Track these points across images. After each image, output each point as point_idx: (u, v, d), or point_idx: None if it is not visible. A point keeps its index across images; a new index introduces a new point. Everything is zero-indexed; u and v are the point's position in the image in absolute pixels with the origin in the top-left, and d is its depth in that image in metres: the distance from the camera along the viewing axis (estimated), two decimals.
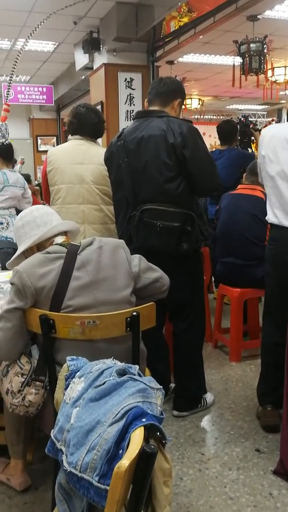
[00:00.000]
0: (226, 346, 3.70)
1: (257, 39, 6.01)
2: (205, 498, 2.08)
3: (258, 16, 5.73)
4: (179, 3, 4.81)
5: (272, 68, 7.81)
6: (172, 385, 2.88)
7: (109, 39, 5.82)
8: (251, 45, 6.02)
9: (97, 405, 1.14)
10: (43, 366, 1.78)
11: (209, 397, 2.86)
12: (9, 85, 5.12)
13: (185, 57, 7.66)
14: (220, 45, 6.88)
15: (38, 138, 10.68)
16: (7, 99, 4.90)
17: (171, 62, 7.75)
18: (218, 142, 5.18)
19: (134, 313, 1.74)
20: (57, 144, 10.72)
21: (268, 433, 2.54)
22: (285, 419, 2.16)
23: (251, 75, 6.24)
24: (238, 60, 6.40)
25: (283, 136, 2.32)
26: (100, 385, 1.19)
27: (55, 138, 10.76)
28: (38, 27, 4.90)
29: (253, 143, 5.17)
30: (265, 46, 6.01)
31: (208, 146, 10.90)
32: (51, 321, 1.71)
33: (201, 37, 5.65)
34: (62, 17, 5.80)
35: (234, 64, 6.63)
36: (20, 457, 2.11)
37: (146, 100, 2.70)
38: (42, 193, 3.24)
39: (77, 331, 1.70)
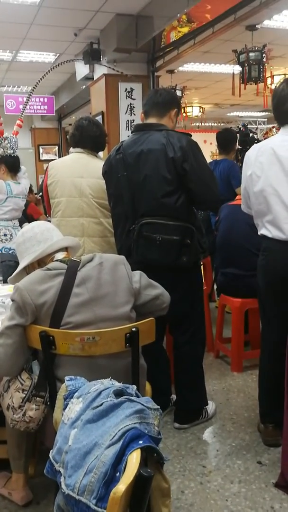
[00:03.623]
0: (227, 356, 3.71)
1: (256, 48, 6.04)
2: None
3: (256, 26, 5.77)
4: (178, 15, 4.85)
5: (272, 76, 7.85)
6: (173, 396, 2.88)
7: (109, 50, 5.86)
8: (250, 54, 6.06)
9: (94, 426, 1.15)
10: (43, 382, 1.79)
11: (210, 408, 2.86)
12: (27, 102, 5.24)
13: (185, 66, 7.71)
14: (220, 54, 6.93)
15: (40, 147, 10.73)
16: (22, 115, 4.98)
17: (171, 71, 7.80)
18: None
19: (134, 329, 1.75)
20: (59, 153, 10.78)
21: None
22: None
23: (251, 84, 6.27)
24: (237, 68, 6.44)
25: (269, 147, 2.33)
26: (97, 406, 1.20)
27: (56, 147, 10.81)
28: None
29: None
30: (264, 55, 6.04)
31: (209, 153, 10.95)
32: (51, 337, 1.73)
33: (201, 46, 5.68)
34: (62, 29, 5.86)
35: (233, 72, 6.66)
36: (22, 471, 2.12)
37: (142, 111, 2.72)
38: (45, 205, 3.26)
39: (76, 347, 1.72)
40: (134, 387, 1.33)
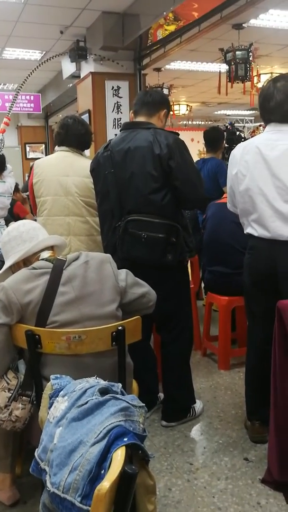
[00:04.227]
0: (215, 354, 3.72)
1: (243, 47, 6.07)
2: (194, 509, 2.09)
3: (243, 25, 5.79)
4: (164, 13, 4.85)
5: (258, 75, 7.89)
6: (161, 395, 2.89)
7: (95, 48, 5.85)
8: (237, 52, 6.08)
9: (79, 424, 1.15)
10: (29, 381, 1.79)
11: (198, 406, 2.87)
12: (14, 101, 5.21)
13: (172, 65, 7.71)
14: (207, 52, 6.94)
15: (27, 145, 10.68)
16: (9, 113, 4.95)
17: (158, 70, 7.81)
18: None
19: (120, 327, 1.75)
20: (46, 152, 10.73)
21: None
22: (272, 429, 2.18)
23: (237, 83, 6.29)
24: (224, 67, 6.46)
25: (254, 145, 2.34)
26: (82, 405, 1.20)
27: (43, 145, 10.77)
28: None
29: None
30: (250, 54, 6.06)
31: (196, 151, 10.97)
32: (37, 336, 1.73)
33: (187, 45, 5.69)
34: (48, 26, 5.83)
35: (220, 71, 6.68)
36: (9, 471, 2.11)
37: (131, 111, 2.72)
38: (31, 204, 3.25)
39: (63, 346, 1.72)
40: (120, 385, 1.33)
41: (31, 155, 10.63)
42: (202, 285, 4.23)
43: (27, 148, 10.72)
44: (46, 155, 10.68)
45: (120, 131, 2.66)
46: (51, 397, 1.35)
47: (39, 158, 10.80)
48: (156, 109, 2.62)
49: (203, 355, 3.80)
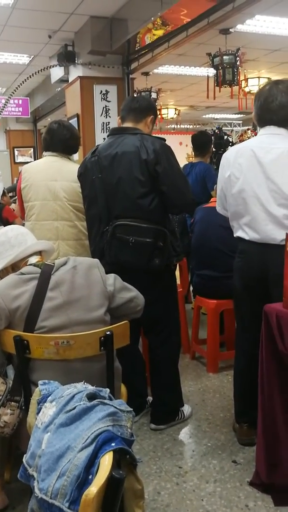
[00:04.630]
0: (203, 357, 3.74)
1: (230, 52, 6.11)
2: None
3: (230, 30, 5.84)
4: (152, 18, 4.88)
5: (246, 79, 7.95)
6: (150, 398, 2.90)
7: (84, 52, 5.86)
8: (224, 57, 6.12)
9: (67, 430, 1.16)
10: (18, 386, 1.79)
11: (186, 409, 2.88)
12: (4, 106, 5.20)
13: (160, 69, 7.75)
14: (194, 57, 6.99)
15: (15, 149, 10.65)
16: None
17: (146, 74, 7.83)
18: None
19: (108, 332, 1.76)
20: (34, 156, 10.71)
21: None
22: (260, 431, 2.20)
23: (225, 87, 6.34)
24: (212, 71, 6.50)
25: (249, 148, 2.36)
26: (70, 410, 1.21)
27: (32, 149, 10.74)
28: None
29: None
30: (237, 58, 6.11)
31: (184, 155, 11.02)
32: (25, 341, 1.73)
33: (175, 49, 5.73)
34: (36, 31, 5.84)
35: (208, 76, 6.72)
36: None
37: (119, 117, 2.74)
38: (19, 209, 3.25)
39: (51, 351, 1.72)
40: (107, 390, 1.34)
41: (19, 159, 10.60)
42: (191, 288, 4.25)
43: (16, 152, 10.69)
44: (34, 159, 10.66)
45: (107, 136, 2.68)
46: (39, 402, 1.36)
47: (27, 162, 10.76)
48: (143, 115, 2.64)
49: (191, 358, 3.82)
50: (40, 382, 1.47)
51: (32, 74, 6.13)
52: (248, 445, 2.55)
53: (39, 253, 2.01)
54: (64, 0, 4.98)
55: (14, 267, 1.96)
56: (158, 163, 2.45)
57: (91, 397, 1.26)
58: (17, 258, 1.95)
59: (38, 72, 6.22)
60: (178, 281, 3.48)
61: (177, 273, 3.54)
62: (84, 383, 1.42)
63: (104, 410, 1.18)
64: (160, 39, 5.40)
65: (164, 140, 2.57)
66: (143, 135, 2.55)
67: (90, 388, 1.34)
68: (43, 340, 1.72)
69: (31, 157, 10.73)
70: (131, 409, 1.28)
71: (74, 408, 1.21)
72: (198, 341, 3.81)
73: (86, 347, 1.75)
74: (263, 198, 2.30)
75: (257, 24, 5.79)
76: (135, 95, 3.00)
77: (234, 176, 2.38)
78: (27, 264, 1.93)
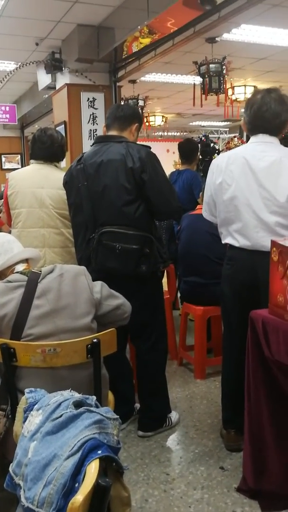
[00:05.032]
0: (191, 364, 3.75)
1: (216, 60, 6.16)
2: None
3: (216, 39, 5.88)
4: (139, 27, 4.91)
5: (232, 87, 8.03)
6: (137, 405, 2.90)
7: (71, 59, 5.87)
8: (211, 65, 6.16)
9: (54, 438, 1.16)
10: (4, 394, 1.78)
11: (174, 416, 2.89)
12: None
13: (147, 77, 7.78)
14: (181, 65, 7.03)
15: (2, 156, 10.61)
16: None
17: (133, 81, 7.86)
18: None
19: (95, 340, 1.77)
20: (21, 162, 10.69)
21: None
22: (247, 437, 2.21)
23: (211, 95, 6.38)
24: (198, 79, 6.55)
25: (241, 156, 2.38)
26: (57, 418, 1.21)
27: (19, 156, 10.72)
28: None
29: None
30: (224, 67, 6.16)
31: (172, 162, 11.05)
32: (12, 349, 1.73)
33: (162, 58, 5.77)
34: (23, 38, 5.84)
35: (194, 84, 6.77)
36: None
37: (104, 125, 2.76)
38: (5, 216, 3.24)
39: (38, 359, 1.72)
40: (94, 398, 1.34)
41: (6, 165, 10.57)
42: (178, 295, 4.27)
43: (3, 159, 10.65)
44: (22, 165, 10.63)
45: (93, 144, 2.69)
46: (26, 411, 1.35)
47: (15, 168, 10.69)
48: (128, 123, 2.66)
49: (179, 364, 3.83)
50: (26, 390, 1.47)
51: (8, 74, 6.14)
52: (236, 451, 2.56)
53: (25, 260, 2.00)
54: (51, 8, 4.99)
55: (0, 275, 1.96)
56: (144, 171, 2.47)
57: (77, 404, 1.26)
58: (4, 266, 1.95)
59: (21, 67, 6.21)
60: (165, 288, 3.50)
61: (165, 279, 3.55)
62: (70, 391, 1.42)
63: (90, 418, 1.18)
64: (147, 47, 5.43)
65: (150, 148, 2.59)
66: (129, 143, 2.57)
67: (77, 395, 1.34)
68: (30, 348, 1.72)
69: (18, 163, 10.70)
70: (118, 416, 1.28)
71: (60, 416, 1.21)
72: (185, 347, 3.82)
73: (73, 355, 1.75)
74: (255, 205, 2.32)
75: (243, 33, 5.84)
76: (121, 103, 3.03)
77: (226, 182, 2.40)
78: (14, 272, 1.93)
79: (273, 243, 2.03)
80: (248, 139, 2.54)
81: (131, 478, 2.38)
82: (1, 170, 10.58)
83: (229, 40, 6.02)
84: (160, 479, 2.38)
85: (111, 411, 1.28)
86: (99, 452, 1.07)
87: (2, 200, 5.96)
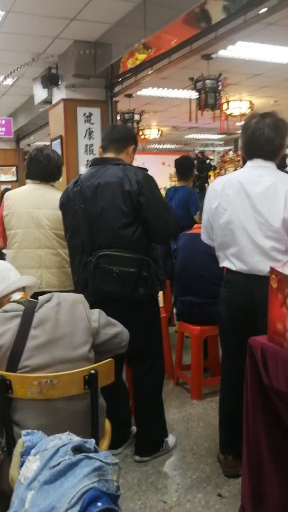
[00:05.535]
0: (187, 383, 3.72)
1: (212, 77, 6.19)
2: None
3: (212, 55, 5.92)
4: (136, 44, 4.92)
5: (227, 102, 8.07)
6: (134, 428, 2.86)
7: (67, 75, 5.88)
8: (207, 82, 6.19)
9: (52, 488, 1.13)
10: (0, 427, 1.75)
11: (170, 439, 2.85)
12: None
13: (143, 91, 7.81)
14: (177, 80, 7.06)
15: None
16: None
17: (129, 96, 7.88)
18: None
19: (92, 371, 1.74)
20: (17, 174, 10.67)
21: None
22: (245, 467, 2.18)
23: (207, 111, 6.42)
24: (194, 94, 6.58)
25: (237, 180, 2.38)
26: (55, 466, 1.18)
27: (14, 168, 10.70)
28: None
29: (209, 178, 5.31)
30: (220, 83, 6.19)
31: (167, 175, 11.10)
32: (8, 381, 1.70)
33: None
34: (20, 53, 5.85)
35: (190, 99, 6.79)
36: None
37: (100, 146, 2.74)
38: (1, 236, 3.21)
39: (34, 391, 1.69)
40: (93, 441, 1.31)
41: (2, 177, 10.55)
42: (174, 310, 4.24)
43: None
44: (17, 177, 10.61)
45: (89, 166, 2.68)
46: (22, 455, 1.32)
47: (10, 180, 10.65)
48: (124, 145, 2.65)
49: (175, 384, 3.80)
50: (23, 432, 1.43)
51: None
52: (234, 477, 2.53)
53: (22, 289, 1.98)
54: (48, 24, 5.00)
55: None
56: (141, 193, 2.46)
57: (76, 449, 1.23)
58: (0, 295, 1.92)
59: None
60: (161, 304, 3.46)
61: (160, 294, 3.53)
62: (69, 434, 1.39)
63: (89, 465, 1.15)
64: (143, 64, 5.45)
65: (147, 170, 2.58)
66: (126, 165, 2.56)
67: (75, 440, 1.31)
68: (26, 380, 1.69)
69: (13, 175, 10.68)
70: (117, 461, 1.25)
71: (58, 464, 1.17)
72: (182, 366, 3.79)
73: (70, 386, 1.72)
74: (251, 230, 2.32)
75: (239, 50, 5.88)
76: (115, 124, 3.02)
77: (222, 207, 2.40)
78: (10, 300, 1.90)
79: (272, 270, 2.02)
80: (244, 162, 2.54)
81: (127, 507, 2.34)
82: None
83: (224, 57, 6.06)
84: (157, 507, 2.34)
85: (110, 456, 1.25)
86: (99, 504, 1.04)
87: None
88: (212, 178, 6.72)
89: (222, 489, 2.47)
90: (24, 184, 3.21)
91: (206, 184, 5.24)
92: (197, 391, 3.53)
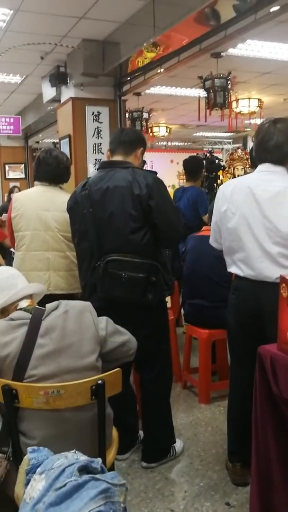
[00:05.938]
0: (195, 386, 3.69)
1: (221, 76, 6.14)
2: None
3: (221, 54, 5.87)
4: (145, 43, 4.89)
5: (237, 100, 8.02)
6: (141, 433, 2.84)
7: (76, 73, 5.86)
8: (216, 80, 6.15)
9: (57, 510, 1.11)
10: (5, 436, 1.73)
11: (178, 445, 2.82)
12: None
13: (152, 89, 7.77)
14: (186, 78, 7.02)
15: (6, 165, 10.60)
16: None
17: (138, 94, 7.85)
18: None
19: (99, 381, 1.71)
20: (25, 171, 10.68)
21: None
22: (254, 476, 2.15)
23: (216, 109, 6.36)
24: (203, 93, 6.53)
25: (246, 185, 2.35)
26: (61, 487, 1.15)
27: (23, 165, 10.71)
28: None
29: (218, 178, 5.27)
30: (229, 82, 6.14)
31: (175, 172, 11.06)
32: (14, 391, 1.67)
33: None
34: (29, 52, 5.83)
35: (199, 98, 6.74)
36: None
37: (108, 149, 2.71)
38: (9, 238, 3.20)
39: (41, 401, 1.67)
40: (99, 460, 1.29)
41: (10, 175, 10.56)
42: (182, 311, 4.21)
43: (7, 168, 10.65)
44: (25, 175, 10.62)
45: (98, 170, 2.65)
46: (28, 473, 1.30)
47: (18, 178, 10.65)
48: (133, 148, 2.62)
49: (183, 387, 3.77)
50: (29, 449, 1.41)
51: None
52: (242, 485, 2.50)
53: (29, 296, 1.96)
54: (57, 23, 4.98)
55: (3, 311, 1.91)
56: (151, 197, 2.43)
57: (82, 469, 1.21)
58: (8, 302, 1.89)
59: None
60: (169, 305, 3.43)
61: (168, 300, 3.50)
62: (75, 452, 1.36)
63: (96, 487, 1.13)
64: (152, 63, 5.41)
65: (156, 173, 2.55)
66: (135, 169, 2.52)
67: (82, 459, 1.28)
68: (32, 390, 1.67)
69: (22, 172, 10.69)
70: (124, 481, 1.23)
71: (64, 485, 1.15)
72: (189, 369, 3.76)
73: (77, 397, 1.70)
74: (259, 235, 2.29)
75: (248, 48, 5.84)
76: (123, 127, 2.98)
77: (230, 211, 2.37)
78: (17, 308, 1.88)
79: (283, 279, 1.98)
80: (253, 163, 2.51)
81: None
82: (4, 180, 10.59)
83: (234, 55, 6.02)
84: None
85: (117, 476, 1.22)
86: None
87: (5, 213, 5.94)
88: (221, 177, 6.68)
89: (230, 497, 2.44)
90: (32, 181, 3.19)
91: (215, 185, 5.19)
92: (205, 396, 3.50)
